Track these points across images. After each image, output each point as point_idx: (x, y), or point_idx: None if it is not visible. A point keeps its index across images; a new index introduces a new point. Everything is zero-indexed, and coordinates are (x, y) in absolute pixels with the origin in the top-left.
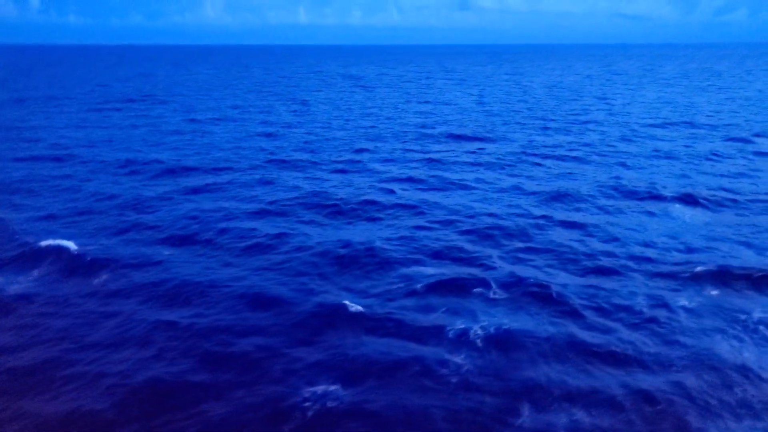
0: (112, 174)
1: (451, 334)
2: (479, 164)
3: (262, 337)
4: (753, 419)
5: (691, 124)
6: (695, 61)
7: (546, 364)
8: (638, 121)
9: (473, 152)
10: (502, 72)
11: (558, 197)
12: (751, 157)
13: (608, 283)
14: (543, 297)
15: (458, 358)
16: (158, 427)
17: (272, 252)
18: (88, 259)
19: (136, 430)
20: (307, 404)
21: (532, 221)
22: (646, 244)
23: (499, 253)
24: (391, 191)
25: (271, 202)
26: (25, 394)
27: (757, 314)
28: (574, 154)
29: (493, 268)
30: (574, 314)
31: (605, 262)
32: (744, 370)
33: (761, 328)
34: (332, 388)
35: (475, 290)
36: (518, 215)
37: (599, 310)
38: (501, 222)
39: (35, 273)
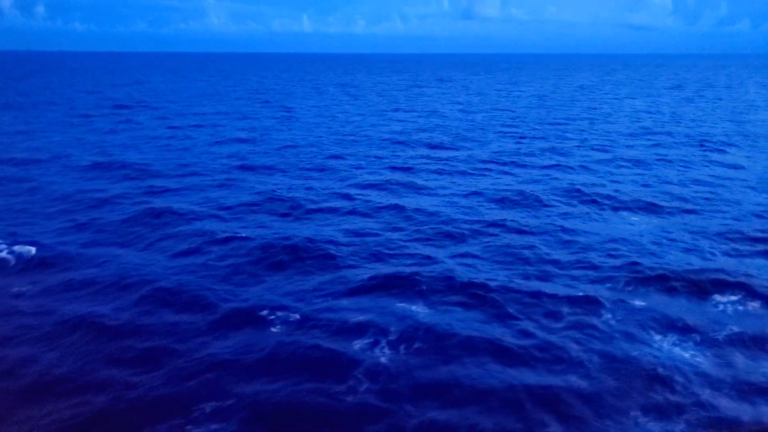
0: (75, 176)
1: (370, 334)
2: (446, 171)
3: (171, 336)
4: (656, 421)
5: (670, 134)
6: (692, 72)
7: (461, 364)
8: (618, 130)
9: (444, 159)
10: (497, 81)
11: (517, 203)
12: (715, 166)
13: (546, 286)
14: (477, 298)
15: (371, 358)
16: (43, 416)
17: (212, 253)
18: (31, 256)
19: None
20: (199, 407)
21: (484, 226)
22: (594, 249)
23: (445, 255)
24: (350, 196)
25: (226, 207)
26: None
27: (688, 320)
28: (544, 162)
29: (434, 270)
30: (503, 316)
31: (549, 266)
32: (655, 372)
33: (687, 333)
34: (232, 388)
35: (408, 291)
36: (473, 220)
37: (529, 313)
38: (454, 226)
39: None
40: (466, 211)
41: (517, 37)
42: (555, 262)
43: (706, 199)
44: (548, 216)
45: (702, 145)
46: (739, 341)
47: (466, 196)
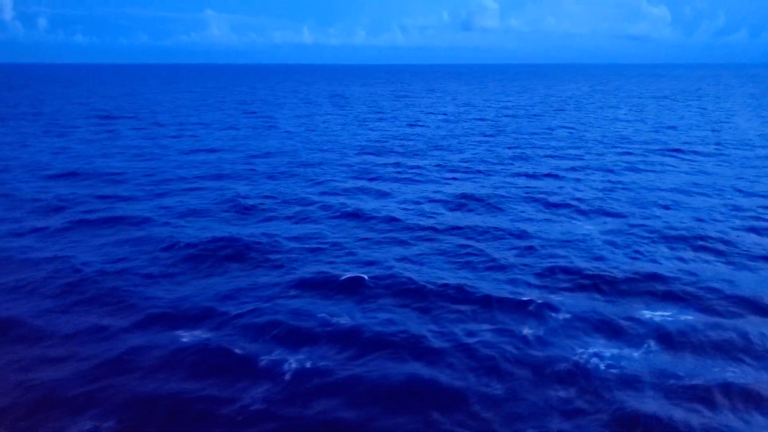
0: (39, 184)
1: (288, 338)
2: (412, 178)
3: (87, 337)
4: (569, 424)
5: (646, 143)
6: (684, 81)
7: (375, 365)
8: (596, 138)
9: (413, 167)
10: (487, 92)
11: (474, 209)
12: (681, 174)
13: (483, 289)
14: (410, 301)
15: (282, 363)
16: None
17: (152, 256)
18: None
19: None
20: (95, 407)
21: (436, 231)
22: (539, 254)
23: (390, 259)
24: (310, 202)
25: (180, 213)
26: None
27: (617, 324)
28: (512, 170)
29: (375, 273)
30: (431, 319)
31: (491, 271)
32: (573, 377)
33: (614, 337)
34: (134, 388)
35: (339, 293)
36: (425, 226)
37: (458, 315)
38: (406, 231)
39: None
40: (421, 217)
41: (516, 48)
42: (498, 267)
43: (665, 206)
44: (503, 221)
45: (674, 154)
46: (664, 345)
47: (426, 202)
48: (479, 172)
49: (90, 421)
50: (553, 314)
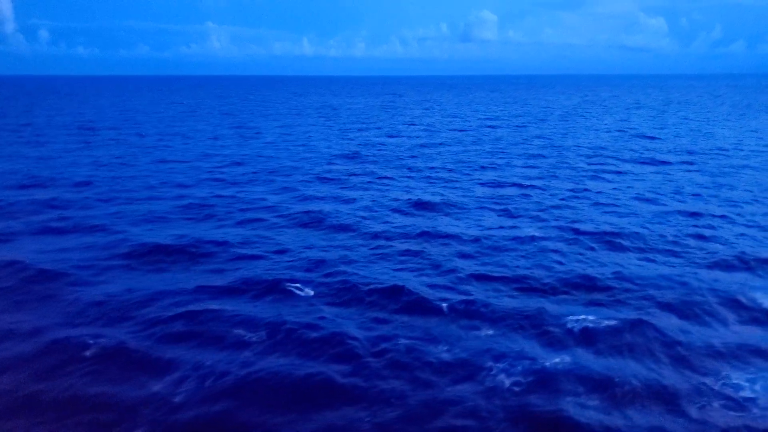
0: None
1: (192, 342)
2: (375, 185)
3: None
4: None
5: (618, 151)
6: (675, 92)
7: (271, 363)
8: (570, 146)
9: (382, 176)
10: (477, 102)
11: (428, 213)
12: (640, 179)
13: (414, 291)
14: (336, 297)
15: (174, 383)
16: None
17: (82, 255)
18: None
19: None
20: None
21: (377, 237)
22: (478, 258)
23: (332, 261)
24: (271, 208)
25: (136, 218)
26: None
27: (529, 341)
28: (477, 178)
29: (308, 274)
30: (347, 316)
31: (417, 274)
32: (466, 401)
33: (521, 357)
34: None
35: (271, 293)
36: (372, 232)
37: (382, 317)
38: (354, 235)
39: None
40: (374, 222)
41: (515, 59)
42: (438, 271)
43: (620, 214)
44: (456, 227)
45: (645, 163)
46: (589, 349)
47: (383, 208)
48: (445, 180)
49: None
50: (481, 317)
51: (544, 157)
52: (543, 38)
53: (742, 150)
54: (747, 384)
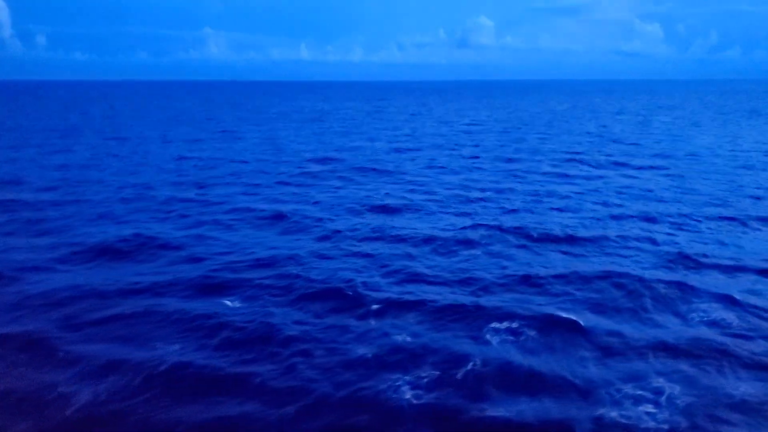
0: None
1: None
2: (339, 186)
3: None
4: None
5: (589, 154)
6: (667, 97)
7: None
8: (546, 150)
9: (347, 178)
10: (468, 107)
11: (387, 213)
12: (603, 181)
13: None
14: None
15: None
16: None
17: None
18: None
19: None
20: None
21: (337, 228)
22: (412, 258)
23: (277, 258)
24: (230, 203)
25: (70, 215)
26: None
27: (442, 352)
28: (440, 180)
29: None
30: (263, 304)
31: (348, 269)
32: (366, 414)
33: (433, 368)
34: None
35: (208, 289)
36: (327, 229)
37: (299, 306)
38: (301, 234)
39: None
40: (326, 221)
41: (513, 65)
42: (368, 271)
43: (561, 210)
44: (399, 225)
45: (614, 166)
46: (480, 376)
47: (337, 207)
48: (413, 183)
49: None
50: (412, 317)
51: (517, 161)
52: (540, 44)
53: (717, 155)
54: (665, 384)
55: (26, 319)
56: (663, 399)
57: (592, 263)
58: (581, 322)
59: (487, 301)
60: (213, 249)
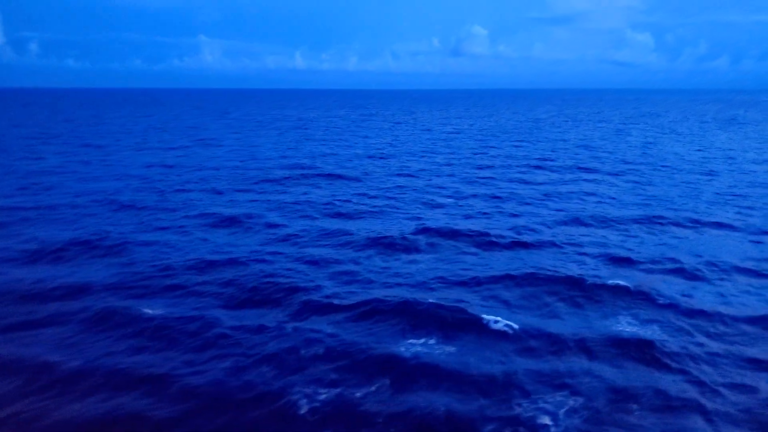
0: None
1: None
2: (299, 191)
3: None
4: None
5: (554, 160)
6: (654, 105)
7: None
8: (517, 156)
9: (314, 185)
10: (454, 115)
11: (341, 218)
12: (565, 186)
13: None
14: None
15: None
16: None
17: None
18: None
19: None
20: None
21: (288, 232)
22: (355, 258)
23: (233, 254)
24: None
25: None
26: None
27: (352, 366)
28: (397, 183)
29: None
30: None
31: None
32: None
33: (336, 384)
34: None
35: (154, 288)
36: (278, 233)
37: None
38: (253, 231)
39: None
40: (279, 229)
41: (506, 74)
42: (305, 272)
43: (515, 215)
44: (345, 228)
45: (579, 173)
46: (396, 375)
47: (296, 213)
48: (377, 188)
49: None
50: (335, 316)
51: (488, 168)
52: (534, 53)
53: (686, 161)
54: (580, 383)
55: None
56: (572, 400)
57: (532, 265)
58: (512, 324)
59: (417, 303)
60: (154, 253)
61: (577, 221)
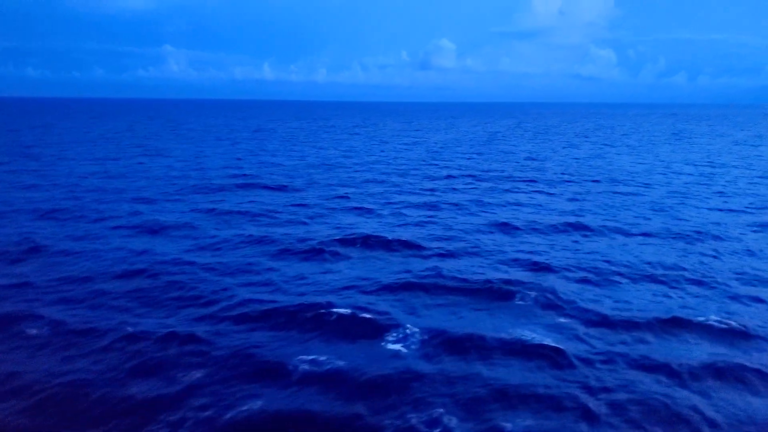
0: None
1: None
2: (236, 199)
3: None
4: None
5: (508, 171)
6: (612, 119)
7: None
8: (466, 167)
9: (251, 194)
10: (413, 128)
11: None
12: (504, 197)
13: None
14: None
15: None
16: None
17: None
18: None
19: None
20: None
21: (226, 236)
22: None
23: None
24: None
25: None
26: None
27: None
28: (333, 192)
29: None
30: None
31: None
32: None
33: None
34: None
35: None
36: (216, 238)
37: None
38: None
39: None
40: (201, 232)
41: (473, 87)
42: (236, 275)
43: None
44: (275, 241)
45: (520, 185)
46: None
47: (226, 217)
48: (316, 196)
49: None
50: (255, 319)
51: (434, 178)
52: (500, 67)
53: (625, 175)
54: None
55: None
56: (459, 405)
57: (451, 273)
58: (416, 330)
59: (323, 310)
60: (67, 261)
61: (505, 230)
